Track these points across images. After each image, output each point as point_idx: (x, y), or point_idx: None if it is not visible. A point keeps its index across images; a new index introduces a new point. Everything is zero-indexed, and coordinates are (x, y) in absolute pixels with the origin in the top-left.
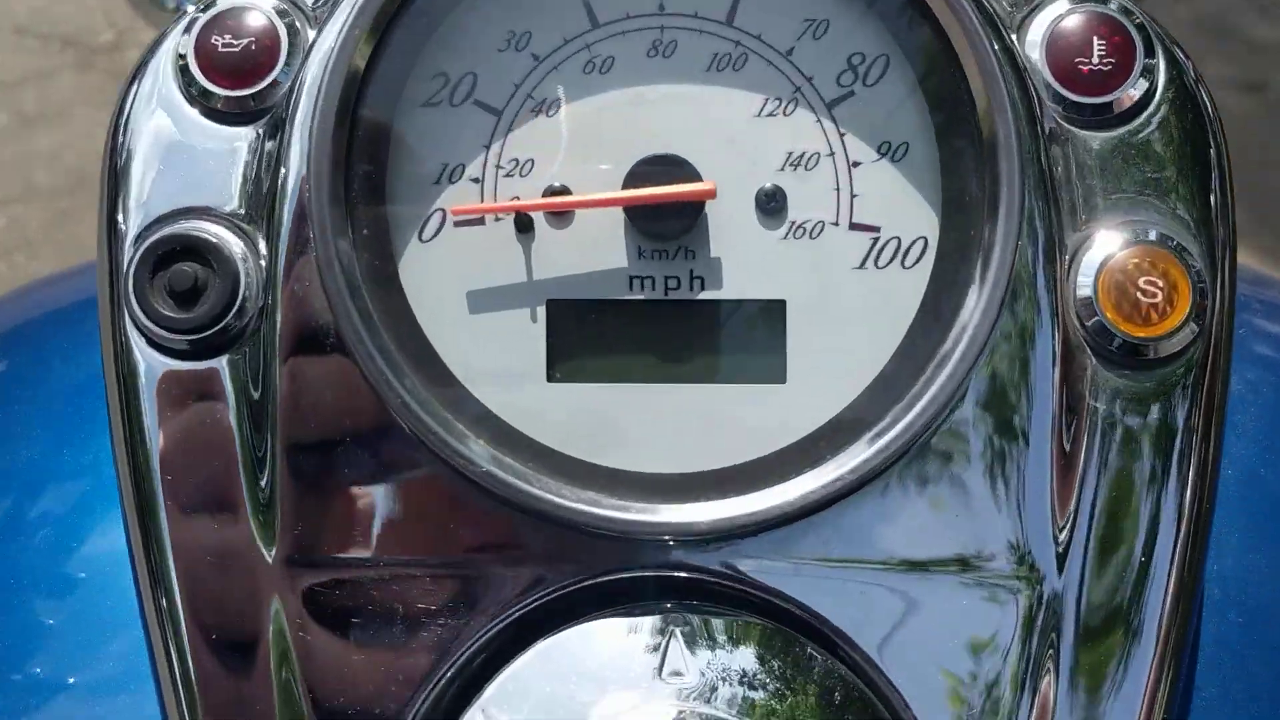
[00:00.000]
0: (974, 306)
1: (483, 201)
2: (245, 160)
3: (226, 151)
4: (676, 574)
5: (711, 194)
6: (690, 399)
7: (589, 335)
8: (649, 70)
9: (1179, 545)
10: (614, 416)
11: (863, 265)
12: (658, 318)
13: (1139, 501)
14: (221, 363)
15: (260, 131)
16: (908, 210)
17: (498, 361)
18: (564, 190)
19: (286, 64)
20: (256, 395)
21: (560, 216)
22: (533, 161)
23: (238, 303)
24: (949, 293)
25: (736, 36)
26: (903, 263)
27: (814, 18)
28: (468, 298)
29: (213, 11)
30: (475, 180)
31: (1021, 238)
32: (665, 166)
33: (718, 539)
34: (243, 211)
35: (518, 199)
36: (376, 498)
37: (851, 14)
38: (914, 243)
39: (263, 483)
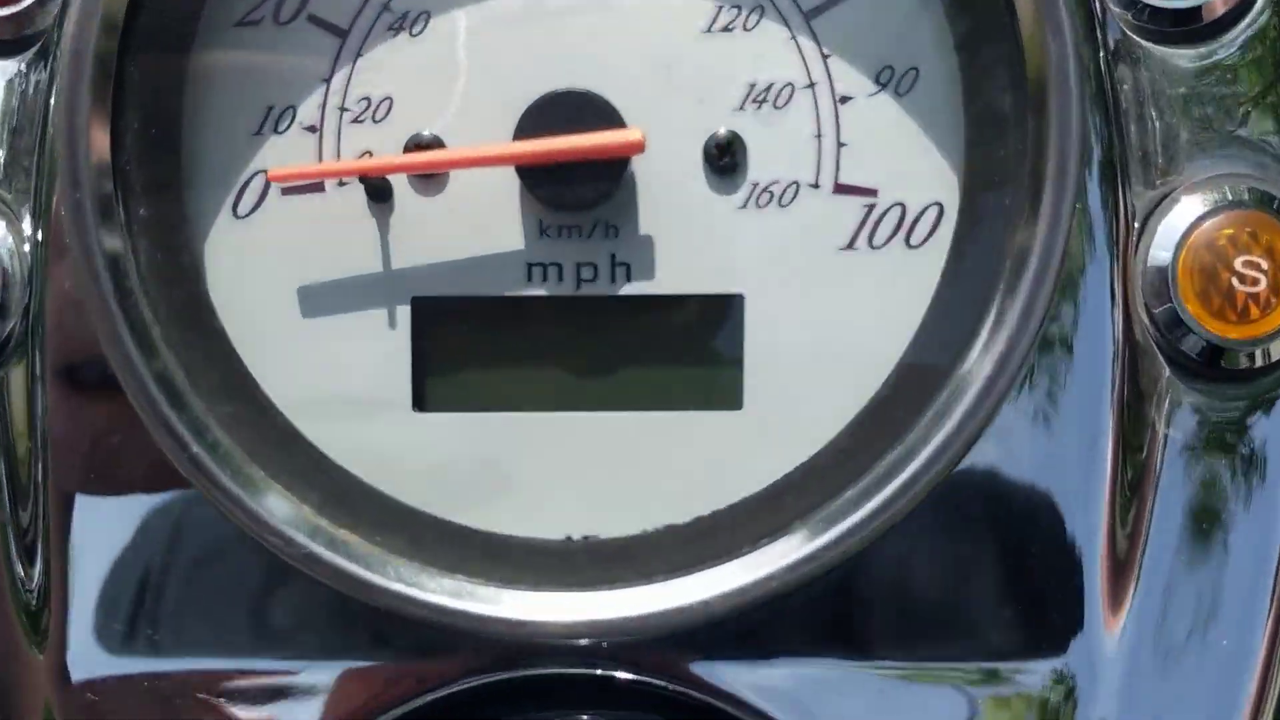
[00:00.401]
0: (1007, 306)
1: (321, 160)
2: (4, 105)
3: None
4: (586, 673)
5: (640, 146)
6: (608, 434)
7: (470, 346)
8: None
9: (1270, 634)
10: (501, 460)
11: (852, 245)
12: (565, 321)
13: (1225, 581)
14: None
15: (24, 66)
16: (916, 166)
17: (340, 385)
18: (435, 143)
19: None
20: (21, 434)
21: (430, 180)
22: (390, 101)
23: None
24: (972, 283)
25: None
26: (908, 240)
27: None
28: (299, 296)
29: None
30: (311, 129)
31: (1077, 204)
32: (574, 108)
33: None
34: (1, 175)
35: (369, 155)
36: (178, 583)
37: None
38: (924, 212)
39: (33, 568)
